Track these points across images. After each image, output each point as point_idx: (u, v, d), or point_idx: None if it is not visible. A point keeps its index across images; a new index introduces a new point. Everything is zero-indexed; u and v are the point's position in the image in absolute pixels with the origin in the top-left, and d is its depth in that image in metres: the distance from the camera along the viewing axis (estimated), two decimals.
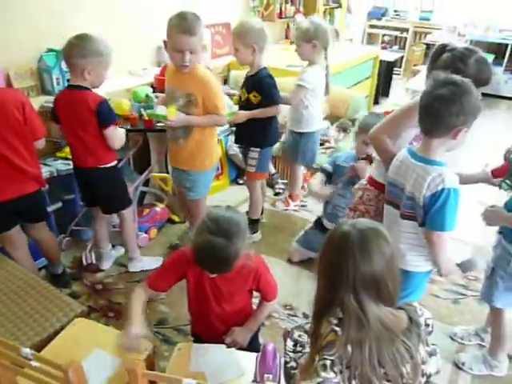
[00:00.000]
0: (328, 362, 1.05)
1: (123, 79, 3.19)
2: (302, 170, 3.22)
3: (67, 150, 2.64)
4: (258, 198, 2.82)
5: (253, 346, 1.72)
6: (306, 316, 2.28)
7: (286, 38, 5.13)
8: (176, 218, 3.05)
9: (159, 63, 3.58)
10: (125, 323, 1.48)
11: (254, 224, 2.84)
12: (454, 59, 1.71)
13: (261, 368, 1.47)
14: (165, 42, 2.10)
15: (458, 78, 1.46)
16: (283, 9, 4.88)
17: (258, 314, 1.73)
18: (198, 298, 1.65)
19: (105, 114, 2.06)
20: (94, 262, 2.61)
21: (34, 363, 1.26)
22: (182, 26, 2.01)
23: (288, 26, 5.12)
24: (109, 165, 2.23)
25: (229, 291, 1.62)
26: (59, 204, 2.66)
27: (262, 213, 3.02)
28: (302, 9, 5.12)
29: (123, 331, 1.46)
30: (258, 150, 2.64)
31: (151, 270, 2.50)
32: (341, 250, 1.06)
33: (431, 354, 1.13)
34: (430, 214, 1.50)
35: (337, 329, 1.08)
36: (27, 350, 1.25)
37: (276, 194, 3.45)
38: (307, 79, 2.79)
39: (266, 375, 1.42)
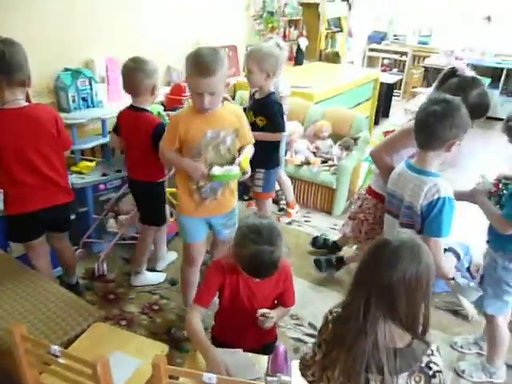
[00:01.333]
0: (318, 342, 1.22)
1: None
2: (285, 175, 3.36)
3: (81, 164, 2.77)
4: (267, 214, 2.92)
5: (270, 351, 1.80)
6: (311, 325, 2.36)
7: (289, 59, 5.32)
8: None
9: (168, 82, 3.73)
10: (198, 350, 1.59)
11: None
12: (459, 87, 1.86)
13: (272, 367, 1.56)
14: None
15: (449, 96, 1.61)
16: (287, 33, 5.09)
17: (277, 311, 1.76)
18: (233, 304, 1.72)
19: (159, 137, 2.13)
20: (106, 273, 2.69)
21: (62, 360, 1.35)
22: (199, 67, 1.78)
23: (291, 49, 5.31)
24: (158, 180, 2.42)
25: (262, 295, 1.71)
26: (73, 216, 2.76)
27: None
28: (304, 32, 5.32)
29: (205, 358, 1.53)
30: (262, 170, 2.70)
31: (154, 285, 2.63)
32: (372, 254, 1.13)
33: None
34: (427, 222, 1.62)
35: (328, 316, 1.21)
36: (56, 347, 1.33)
37: (280, 210, 3.55)
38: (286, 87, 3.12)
39: (278, 375, 1.51)
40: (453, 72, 1.91)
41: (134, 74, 2.21)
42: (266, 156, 2.65)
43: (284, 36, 4.96)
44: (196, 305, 1.65)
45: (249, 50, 2.77)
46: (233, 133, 1.99)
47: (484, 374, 2.06)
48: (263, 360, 1.63)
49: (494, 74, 6.45)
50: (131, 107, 2.32)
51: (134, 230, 2.82)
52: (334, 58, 5.36)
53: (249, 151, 2.08)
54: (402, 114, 6.52)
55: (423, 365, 1.13)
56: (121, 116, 2.38)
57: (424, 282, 1.09)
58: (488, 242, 1.92)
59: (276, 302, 1.81)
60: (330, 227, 3.37)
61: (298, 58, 5.11)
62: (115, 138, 2.46)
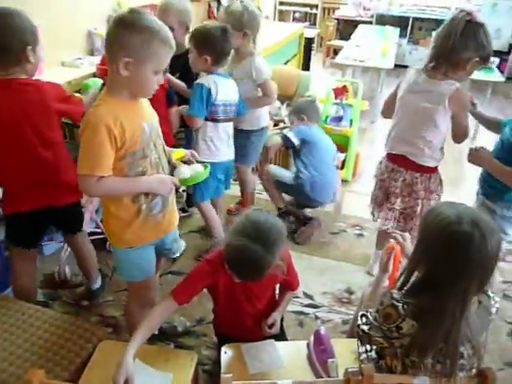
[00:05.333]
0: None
1: (57, 72, 2.87)
2: None
3: None
4: None
5: (280, 333, 1.72)
6: (307, 295, 2.31)
7: (209, 17, 5.00)
8: None
9: (92, 51, 3.28)
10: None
11: None
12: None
13: (319, 355, 1.47)
14: (127, 62, 1.31)
15: None
16: None
17: (283, 304, 1.71)
18: (229, 302, 1.60)
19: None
20: (69, 277, 2.35)
21: None
22: (168, 37, 1.36)
23: (210, 6, 4.98)
24: None
25: (260, 290, 1.60)
26: None
27: None
28: None
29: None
30: (183, 130, 2.52)
31: None
32: (461, 251, 1.06)
33: None
34: None
35: (397, 304, 1.13)
36: None
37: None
38: (266, 70, 2.44)
39: (329, 360, 1.43)
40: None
41: None
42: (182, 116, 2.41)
43: None
44: (171, 298, 1.45)
45: (162, 4, 2.44)
46: (158, 126, 1.55)
47: None
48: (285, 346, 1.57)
49: (401, 23, 6.72)
50: None
51: (93, 225, 2.48)
52: None
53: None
54: (320, 68, 6.59)
55: (494, 312, 1.19)
56: None
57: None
58: (483, 194, 1.97)
59: (279, 287, 1.73)
60: None
61: None
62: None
